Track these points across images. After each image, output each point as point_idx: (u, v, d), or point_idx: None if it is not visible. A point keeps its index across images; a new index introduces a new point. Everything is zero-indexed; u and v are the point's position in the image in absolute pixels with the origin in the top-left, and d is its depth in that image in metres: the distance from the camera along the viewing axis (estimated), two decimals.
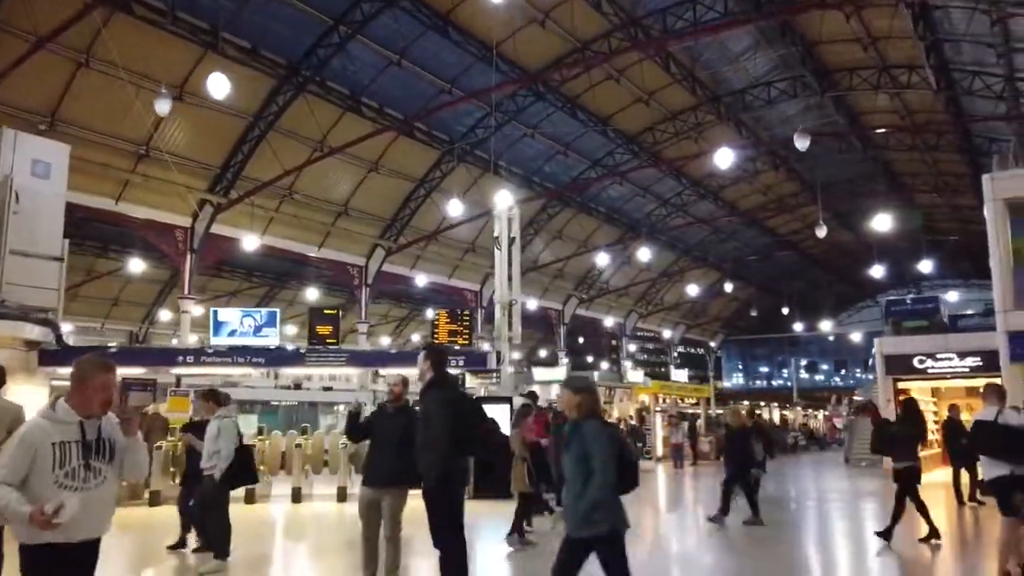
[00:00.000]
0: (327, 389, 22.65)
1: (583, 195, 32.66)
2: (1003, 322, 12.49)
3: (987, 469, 6.79)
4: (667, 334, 43.03)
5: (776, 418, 39.35)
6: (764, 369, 48.13)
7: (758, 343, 44.97)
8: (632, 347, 44.10)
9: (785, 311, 41.51)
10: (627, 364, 38.63)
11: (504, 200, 17.30)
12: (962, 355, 14.99)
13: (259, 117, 21.23)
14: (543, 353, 44.23)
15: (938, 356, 14.63)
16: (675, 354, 45.11)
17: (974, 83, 24.65)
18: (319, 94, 21.91)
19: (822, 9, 22.06)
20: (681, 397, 24.80)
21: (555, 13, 22.07)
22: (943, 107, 26.37)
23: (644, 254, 32.75)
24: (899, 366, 15.33)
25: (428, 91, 23.55)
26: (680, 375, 34.46)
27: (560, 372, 21.01)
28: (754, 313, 44.63)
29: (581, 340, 43.45)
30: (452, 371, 19.93)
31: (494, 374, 17.68)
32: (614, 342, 43.70)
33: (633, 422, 19.91)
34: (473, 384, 19.81)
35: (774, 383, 44.64)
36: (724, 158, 15.06)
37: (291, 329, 38.24)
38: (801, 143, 15.06)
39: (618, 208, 34.69)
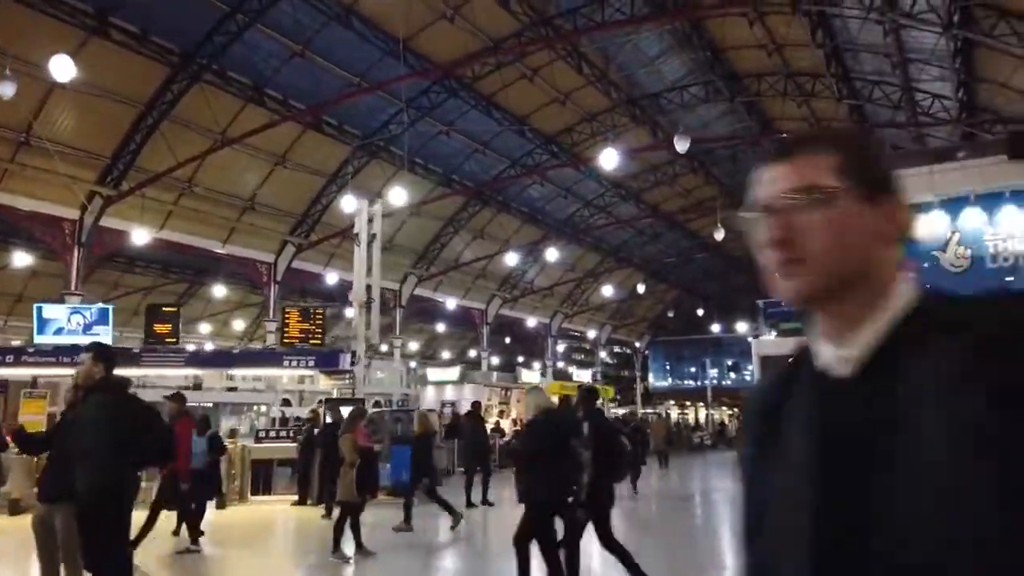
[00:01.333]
0: (231, 390, 22.00)
1: (504, 194, 32.58)
2: None
3: None
4: (591, 334, 43.27)
5: (702, 419, 40.07)
6: (692, 369, 48.87)
7: (683, 344, 45.63)
8: (561, 347, 44.29)
9: (701, 313, 42.25)
10: (549, 365, 38.70)
11: (399, 197, 17.00)
12: None
13: (152, 106, 20.46)
14: (472, 353, 44.06)
15: None
16: (602, 355, 45.45)
17: (874, 92, 25.43)
18: (218, 84, 21.25)
19: (724, 14, 22.48)
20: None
21: (464, 10, 21.89)
22: (847, 115, 27.10)
23: (567, 254, 32.88)
24: (774, 367, 15.52)
25: (336, 84, 23.09)
26: (584, 375, 34.79)
27: (454, 373, 20.77)
28: (671, 314, 45.32)
29: (508, 340, 43.38)
30: (306, 372, 19.50)
31: (347, 375, 17.30)
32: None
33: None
34: (327, 385, 19.44)
35: (699, 384, 45.34)
36: (609, 159, 15.06)
37: (205, 327, 37.23)
38: (681, 145, 15.22)
39: (540, 208, 34.74)
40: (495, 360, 48.92)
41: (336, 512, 9.15)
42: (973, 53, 20.76)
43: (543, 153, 30.16)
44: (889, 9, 20.03)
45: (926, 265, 12.69)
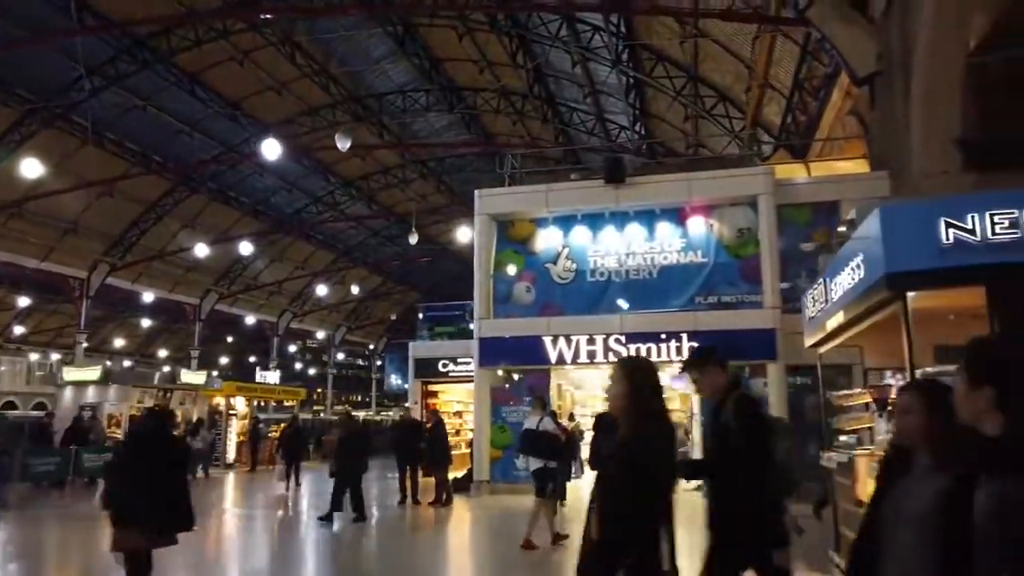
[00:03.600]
0: None
1: (220, 182, 30.61)
2: (478, 329, 13.52)
3: (530, 463, 8.83)
4: (321, 335, 42.20)
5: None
6: None
7: None
8: (292, 348, 42.66)
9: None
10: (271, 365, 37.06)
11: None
12: None
13: None
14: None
15: (459, 360, 15.63)
16: (337, 356, 44.50)
17: (573, 118, 27.45)
18: None
19: (431, 25, 22.96)
20: (265, 400, 23.93)
21: None
22: (553, 137, 28.93)
23: (296, 251, 31.58)
24: (427, 369, 16.09)
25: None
26: (273, 376, 33.93)
27: (95, 372, 19.00)
28: (394, 317, 45.71)
29: (231, 339, 40.91)
30: None
31: None
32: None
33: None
34: None
35: None
36: (271, 150, 14.47)
37: None
38: (342, 143, 15.09)
39: (264, 200, 33.17)
40: (224, 360, 46.09)
41: None
42: (644, 90, 23.15)
43: (259, 142, 28.72)
44: (574, 41, 21.68)
45: (538, 276, 13.68)
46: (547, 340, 13.14)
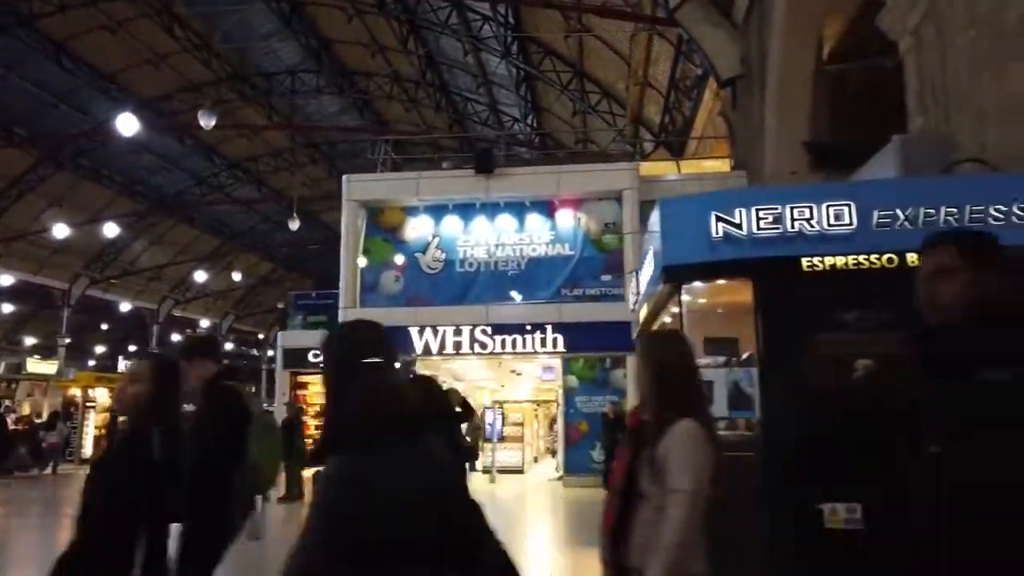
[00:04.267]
0: None
1: (91, 158, 28.70)
2: (343, 318, 13.19)
3: None
4: (205, 323, 40.46)
5: None
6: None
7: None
8: (177, 337, 40.57)
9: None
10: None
11: None
12: None
13: None
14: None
15: None
16: (226, 346, 42.74)
17: (468, 108, 27.30)
18: None
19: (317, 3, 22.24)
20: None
21: None
22: (447, 126, 28.68)
23: (179, 235, 29.92)
24: (298, 360, 15.61)
25: None
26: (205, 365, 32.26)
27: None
28: (280, 305, 44.40)
29: (106, 327, 38.58)
30: None
31: None
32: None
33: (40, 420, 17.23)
34: None
35: None
36: (127, 125, 13.58)
37: None
38: (205, 121, 14.37)
39: (142, 180, 31.36)
40: (101, 349, 43.40)
41: None
42: (534, 83, 23.26)
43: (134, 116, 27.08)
44: (465, 30, 21.49)
45: (407, 265, 13.48)
46: (413, 331, 12.97)
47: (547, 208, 13.50)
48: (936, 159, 4.58)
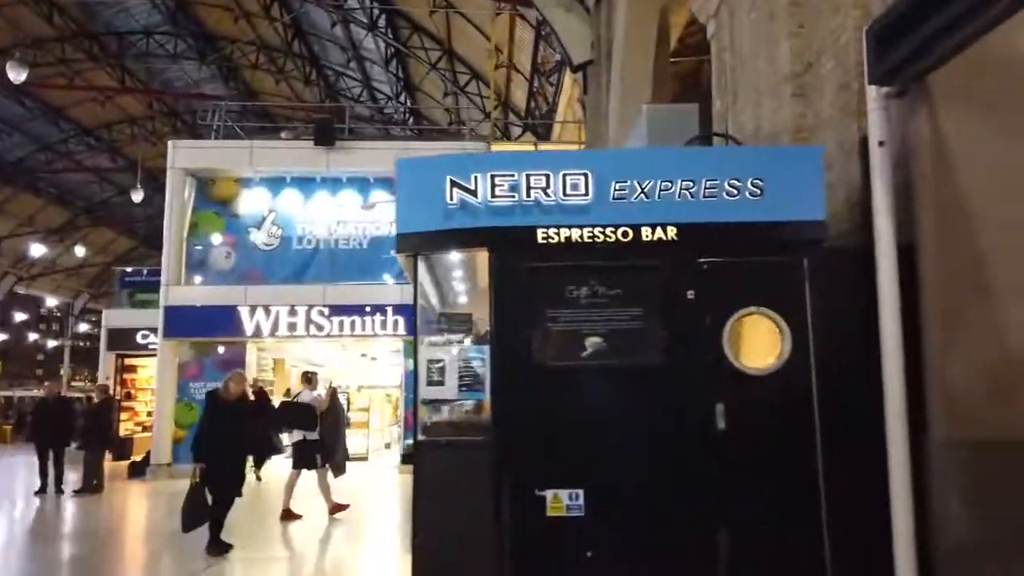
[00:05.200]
0: None
1: None
2: (165, 296, 12.27)
3: (291, 436, 9.18)
4: (52, 302, 37.42)
5: None
6: None
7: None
8: (22, 316, 37.32)
9: None
10: None
11: None
12: None
13: None
14: None
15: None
16: (79, 327, 39.69)
17: (340, 82, 26.28)
18: None
19: None
20: None
21: None
22: (319, 101, 27.53)
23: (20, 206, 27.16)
24: (125, 341, 14.48)
25: None
26: (51, 342, 29.80)
27: None
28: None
29: None
30: None
31: None
32: None
33: None
34: None
35: None
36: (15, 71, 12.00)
37: None
38: (14, 74, 12.96)
39: None
40: None
41: None
42: (406, 61, 22.60)
43: None
44: (330, 0, 20.55)
45: (240, 241, 12.67)
46: (243, 311, 12.18)
47: (392, 185, 12.97)
48: (681, 132, 4.47)
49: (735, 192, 3.80)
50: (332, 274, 12.56)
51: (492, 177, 3.83)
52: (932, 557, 3.57)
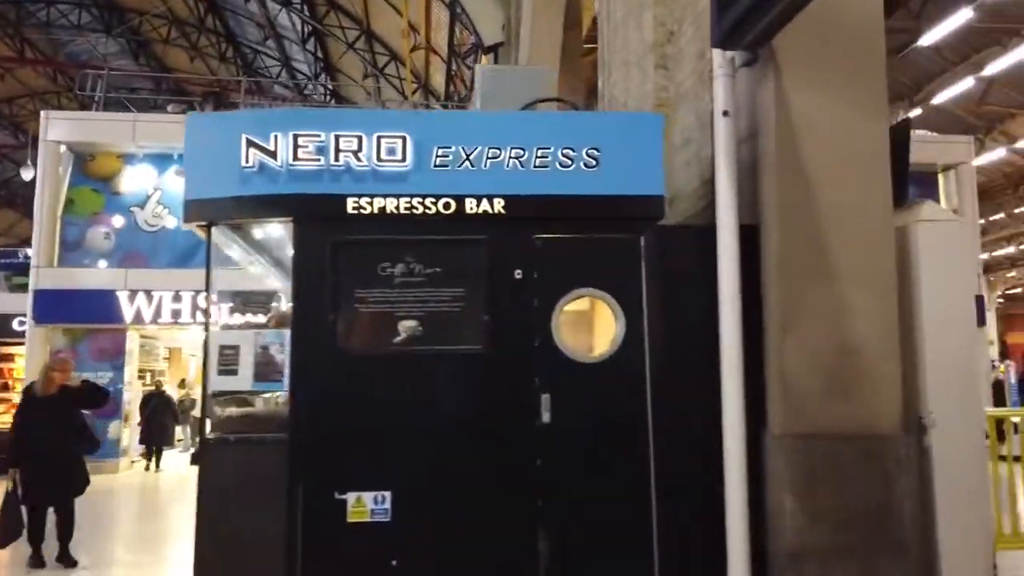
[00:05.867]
0: None
1: None
2: (35, 279, 11.37)
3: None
4: None
5: None
6: None
7: None
8: None
9: None
10: None
11: None
12: None
13: None
14: None
15: None
16: None
17: (257, 61, 25.22)
18: None
19: None
20: None
21: None
22: (236, 78, 26.37)
23: None
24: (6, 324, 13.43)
25: None
26: None
27: None
28: None
29: None
30: None
31: None
32: None
33: None
34: None
35: None
36: None
37: None
38: None
39: None
40: None
41: None
42: (325, 40, 21.80)
43: None
44: None
45: (123, 221, 11.83)
46: (122, 296, 11.35)
47: None
48: (517, 95, 4.11)
49: (568, 162, 3.44)
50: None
51: (295, 137, 3.38)
52: (766, 556, 3.30)
